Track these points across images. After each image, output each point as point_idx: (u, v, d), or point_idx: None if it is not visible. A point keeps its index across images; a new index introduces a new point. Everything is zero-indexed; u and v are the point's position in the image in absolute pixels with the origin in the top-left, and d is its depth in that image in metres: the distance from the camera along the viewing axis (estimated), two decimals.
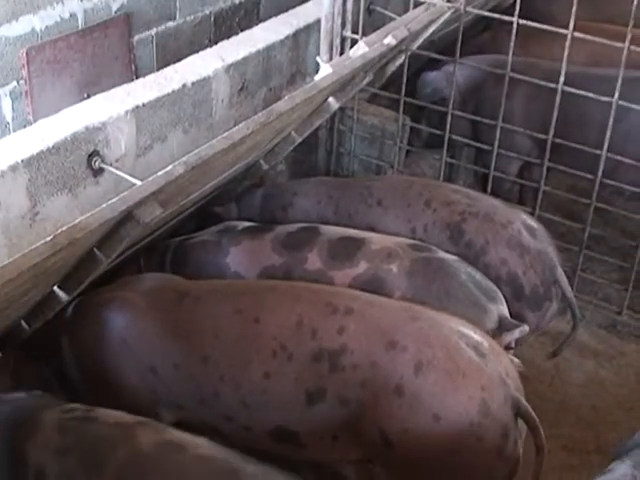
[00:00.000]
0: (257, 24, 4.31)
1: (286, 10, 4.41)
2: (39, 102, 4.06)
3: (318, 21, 4.22)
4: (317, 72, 3.89)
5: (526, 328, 3.13)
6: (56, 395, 2.74)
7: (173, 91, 3.52)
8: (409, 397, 2.59)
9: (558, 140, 4.05)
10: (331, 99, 3.64)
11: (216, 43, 4.04)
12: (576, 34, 3.75)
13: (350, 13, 4.14)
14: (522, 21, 3.86)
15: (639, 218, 4.12)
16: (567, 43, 3.78)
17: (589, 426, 3.71)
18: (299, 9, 4.45)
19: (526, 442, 2.68)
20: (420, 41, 4.12)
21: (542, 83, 4.03)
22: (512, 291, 3.36)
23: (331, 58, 4.18)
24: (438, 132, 4.44)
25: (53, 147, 3.04)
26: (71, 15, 4.11)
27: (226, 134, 2.69)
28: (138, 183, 2.50)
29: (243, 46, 3.97)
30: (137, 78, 3.97)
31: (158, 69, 3.82)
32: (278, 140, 3.63)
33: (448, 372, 2.59)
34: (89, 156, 3.19)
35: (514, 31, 3.89)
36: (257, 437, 2.83)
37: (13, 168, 2.91)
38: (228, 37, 4.08)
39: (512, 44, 3.92)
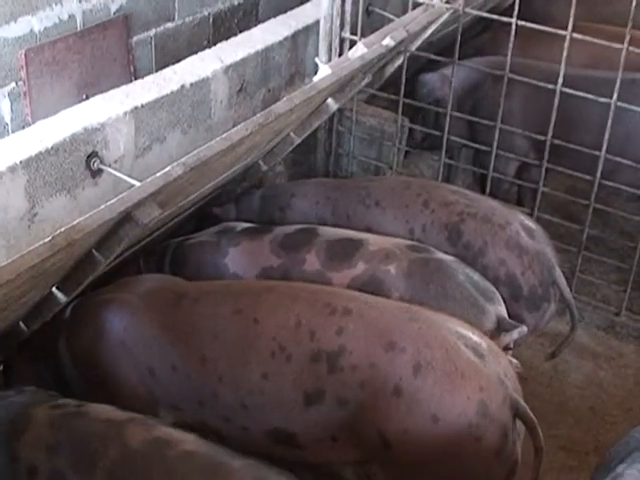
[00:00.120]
0: (256, 25, 4.31)
1: (285, 11, 4.41)
2: (38, 103, 4.06)
3: (317, 22, 4.22)
4: (316, 73, 3.89)
5: (524, 329, 3.13)
6: (47, 391, 2.74)
7: (172, 92, 3.52)
8: (408, 398, 2.59)
9: (556, 141, 4.05)
10: (330, 100, 3.64)
11: (215, 44, 4.04)
12: (575, 35, 3.75)
13: (349, 14, 4.14)
14: (521, 22, 3.86)
15: (638, 219, 4.12)
16: (566, 44, 3.78)
17: (587, 427, 3.72)
18: (298, 10, 4.45)
19: (524, 443, 2.69)
20: (419, 42, 4.13)
21: (540, 84, 4.03)
22: (510, 292, 3.37)
23: (330, 59, 4.18)
24: (437, 133, 4.45)
25: (52, 148, 3.04)
26: (70, 16, 4.11)
27: (225, 135, 2.69)
28: (137, 184, 2.50)
29: (242, 47, 3.97)
30: (136, 79, 3.97)
31: (157, 70, 3.82)
32: (277, 141, 3.64)
33: (447, 373, 2.59)
34: (88, 157, 3.19)
35: (513, 32, 3.89)
36: (255, 438, 2.83)
37: (12, 169, 2.91)
38: (227, 38, 4.08)
39: (511, 45, 3.92)
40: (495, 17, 4.06)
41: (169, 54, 4.63)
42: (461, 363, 2.61)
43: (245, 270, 3.42)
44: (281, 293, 2.91)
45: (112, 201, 2.35)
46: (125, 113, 3.32)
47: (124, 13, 4.38)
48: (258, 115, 2.83)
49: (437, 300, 3.12)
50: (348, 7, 4.13)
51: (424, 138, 4.82)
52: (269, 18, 4.36)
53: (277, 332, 2.76)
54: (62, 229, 2.22)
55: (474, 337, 2.73)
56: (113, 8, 4.32)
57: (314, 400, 2.69)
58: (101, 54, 4.31)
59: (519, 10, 3.85)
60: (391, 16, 4.32)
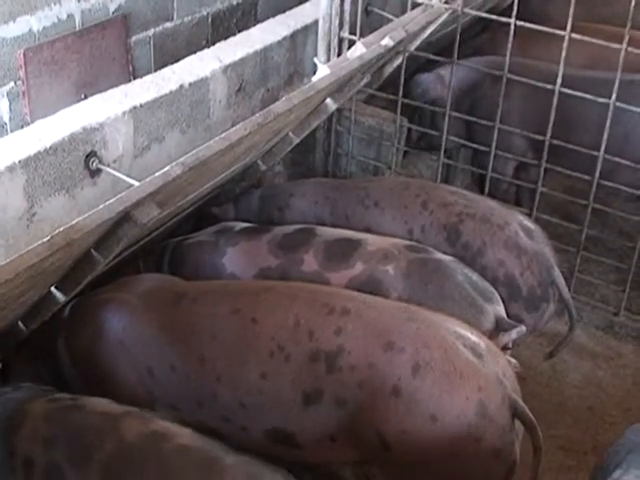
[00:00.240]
0: (254, 25, 4.31)
1: (284, 11, 4.41)
2: (36, 103, 4.06)
3: (316, 22, 4.22)
4: (315, 73, 3.89)
5: (523, 329, 3.13)
6: (42, 387, 2.75)
7: (170, 92, 3.52)
8: (406, 398, 2.59)
9: (555, 141, 4.06)
10: (329, 100, 3.64)
11: (213, 44, 4.04)
12: (574, 35, 3.76)
13: (348, 14, 4.14)
14: (520, 22, 3.86)
15: (636, 219, 4.13)
16: (564, 44, 3.78)
17: (586, 427, 3.72)
18: (297, 10, 4.44)
19: (523, 443, 2.69)
20: (418, 42, 4.13)
21: (538, 84, 4.03)
22: (509, 292, 3.37)
23: (329, 59, 4.18)
24: (434, 133, 4.46)
25: (50, 148, 3.03)
26: (68, 16, 4.11)
27: (223, 135, 2.69)
28: (135, 184, 2.50)
29: (240, 47, 3.96)
30: (134, 79, 3.97)
31: (155, 70, 3.83)
32: (276, 141, 3.64)
33: (445, 373, 2.59)
34: (86, 157, 3.19)
35: (511, 32, 3.89)
36: (254, 438, 2.83)
37: (10, 169, 2.91)
38: (225, 38, 4.08)
39: (509, 45, 3.92)
40: (494, 17, 4.06)
41: (168, 54, 4.63)
42: (460, 363, 2.61)
43: (243, 270, 3.42)
44: (280, 293, 2.91)
45: (111, 201, 2.35)
46: (124, 113, 3.31)
47: (123, 13, 4.38)
48: (257, 115, 2.83)
49: (435, 300, 3.12)
50: (347, 7, 4.13)
51: (420, 137, 4.83)
52: (268, 18, 4.36)
53: (276, 332, 2.76)
54: (61, 229, 2.22)
55: (473, 337, 2.73)
56: (112, 8, 4.32)
57: (313, 400, 2.69)
58: (100, 54, 4.31)
59: (517, 10, 3.85)
60: (390, 16, 4.32)
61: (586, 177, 4.07)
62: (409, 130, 4.61)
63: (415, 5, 3.97)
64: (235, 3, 5.10)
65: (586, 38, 3.79)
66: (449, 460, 2.60)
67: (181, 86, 3.56)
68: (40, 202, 3.06)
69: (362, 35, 3.97)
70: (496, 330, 3.11)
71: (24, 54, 3.94)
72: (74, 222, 2.24)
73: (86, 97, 3.56)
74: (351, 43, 4.03)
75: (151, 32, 4.60)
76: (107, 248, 2.55)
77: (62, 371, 3.07)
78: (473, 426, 2.55)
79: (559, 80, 3.89)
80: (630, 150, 4.14)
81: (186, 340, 2.86)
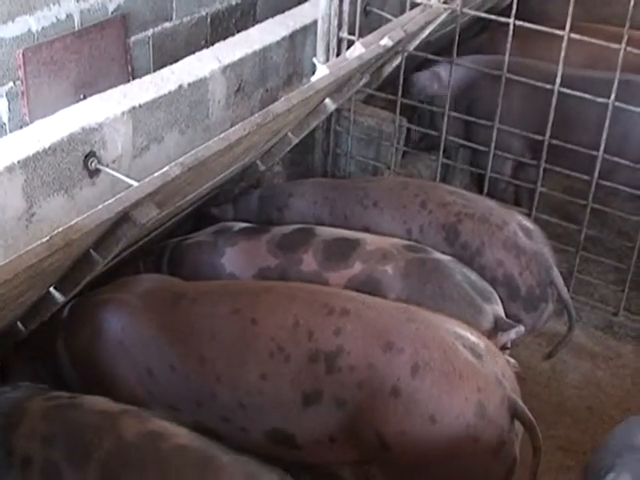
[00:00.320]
0: (253, 25, 4.30)
1: (282, 11, 4.41)
2: (35, 103, 4.06)
3: (315, 22, 4.22)
4: (314, 73, 3.89)
5: (522, 329, 3.13)
6: (41, 386, 2.75)
7: (169, 92, 3.51)
8: (406, 399, 2.59)
9: (554, 141, 4.06)
10: (328, 100, 3.64)
11: (212, 44, 4.04)
12: (573, 35, 3.76)
13: (347, 14, 4.14)
14: (519, 22, 3.86)
15: (635, 219, 4.13)
16: (564, 44, 3.79)
17: (585, 427, 3.72)
18: (295, 10, 4.44)
19: (523, 443, 2.69)
20: (417, 42, 4.13)
21: (536, 84, 4.03)
22: (508, 292, 3.37)
23: (328, 59, 4.18)
24: (434, 133, 4.46)
25: (49, 148, 3.03)
26: (67, 16, 4.11)
27: (222, 135, 2.69)
28: (134, 184, 2.50)
29: (239, 47, 3.96)
30: (133, 79, 3.96)
31: (154, 70, 3.82)
32: (275, 141, 3.63)
33: (445, 374, 2.59)
34: (85, 157, 3.18)
35: (510, 32, 3.89)
36: (254, 439, 2.83)
37: (9, 169, 2.91)
38: (224, 38, 4.07)
39: (508, 45, 3.92)
40: (493, 17, 4.06)
41: (167, 54, 4.63)
42: (459, 363, 2.61)
43: (242, 270, 3.42)
44: (279, 293, 2.91)
45: (110, 201, 2.34)
46: (123, 113, 3.31)
47: (122, 13, 4.37)
48: (256, 115, 2.83)
49: (434, 300, 3.12)
50: (346, 7, 4.13)
51: (421, 138, 4.83)
52: (267, 18, 4.36)
53: (275, 332, 2.76)
54: (60, 229, 2.21)
55: (472, 337, 2.73)
56: (111, 8, 4.32)
57: (312, 400, 2.69)
58: (99, 54, 4.31)
59: (517, 10, 3.85)
60: (389, 16, 4.32)
61: (585, 177, 4.07)
62: (408, 130, 4.61)
63: (414, 5, 3.97)
64: (234, 3, 5.10)
65: (585, 38, 3.79)
66: (448, 460, 2.60)
67: (180, 86, 3.56)
68: (39, 202, 3.06)
69: (361, 35, 3.97)
70: (495, 330, 3.11)
71: (23, 54, 3.94)
72: (73, 222, 2.24)
73: (85, 97, 3.56)
74: (350, 43, 4.02)
75: (150, 32, 4.59)
76: (106, 248, 2.55)
77: (62, 372, 3.07)
78: (472, 426, 2.56)
79: (558, 80, 3.90)
80: (629, 150, 4.14)
81: (185, 340, 2.86)
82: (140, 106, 3.38)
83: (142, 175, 2.70)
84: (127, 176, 3.16)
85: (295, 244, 3.39)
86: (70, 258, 2.48)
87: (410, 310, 2.81)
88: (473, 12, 4.17)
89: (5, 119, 4.04)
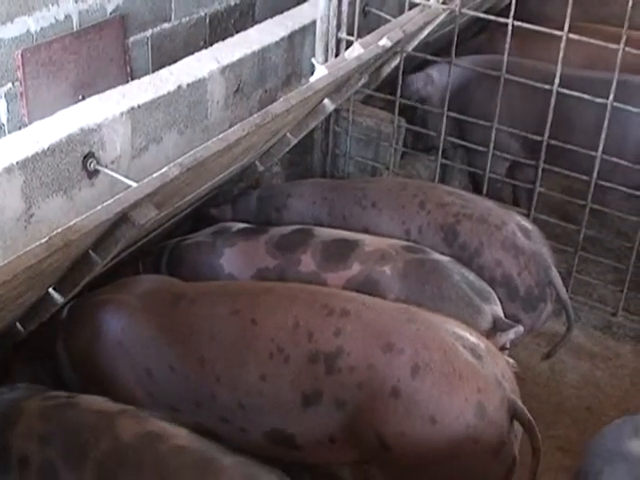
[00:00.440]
0: (252, 26, 4.30)
1: (281, 12, 4.41)
2: (34, 104, 4.06)
3: (313, 23, 4.22)
4: (312, 74, 3.89)
5: (521, 329, 3.13)
6: (40, 386, 2.75)
7: (168, 92, 3.51)
8: (406, 399, 2.59)
9: (553, 142, 4.06)
10: (326, 101, 3.64)
11: (211, 45, 4.04)
12: (571, 36, 3.76)
13: (345, 15, 4.14)
14: (517, 23, 3.86)
15: (634, 219, 4.13)
16: (562, 44, 3.79)
17: (584, 427, 3.71)
18: (294, 11, 4.44)
19: (522, 444, 2.69)
20: (415, 43, 4.13)
21: (531, 84, 4.04)
22: (507, 292, 3.37)
23: (326, 60, 4.18)
24: (433, 134, 4.46)
25: (48, 149, 3.03)
26: (66, 17, 4.10)
27: (221, 136, 2.69)
28: (133, 185, 2.50)
29: (238, 48, 3.96)
30: (132, 80, 3.96)
31: (153, 71, 3.82)
32: (273, 142, 3.63)
33: (445, 374, 2.59)
34: (84, 158, 3.18)
35: (509, 32, 3.89)
36: (253, 439, 2.83)
37: (8, 170, 2.91)
38: (223, 39, 4.08)
39: (507, 46, 3.92)
40: (492, 18, 4.06)
41: (165, 54, 4.63)
42: (459, 364, 2.61)
43: (240, 271, 3.42)
44: (279, 294, 2.91)
45: (108, 202, 2.34)
46: (121, 114, 3.31)
47: (120, 13, 4.37)
48: (255, 116, 2.83)
49: (433, 301, 3.12)
50: (345, 8, 4.13)
51: (416, 140, 4.83)
52: (266, 18, 4.36)
53: (275, 333, 2.76)
54: (59, 230, 2.21)
55: (472, 338, 2.73)
56: (109, 8, 4.31)
57: (312, 401, 2.69)
58: (97, 54, 4.30)
59: (515, 11, 3.85)
60: (388, 17, 4.32)
61: (584, 177, 4.07)
62: (407, 131, 4.61)
63: (413, 5, 3.97)
64: (233, 4, 5.10)
65: (583, 38, 3.80)
66: (448, 461, 2.60)
67: (179, 87, 3.56)
68: (38, 203, 3.06)
69: (360, 36, 3.97)
70: (493, 330, 3.11)
71: (22, 55, 3.93)
72: (72, 223, 2.24)
73: (84, 98, 3.57)
74: (349, 44, 4.02)
75: (149, 33, 4.59)
76: (105, 249, 2.55)
77: (61, 372, 3.07)
78: (472, 427, 2.56)
79: (555, 80, 3.90)
80: (626, 150, 4.15)
81: (185, 341, 2.86)
82: (139, 107, 3.38)
83: (141, 176, 2.70)
84: (126, 177, 3.16)
85: (294, 245, 3.39)
86: (69, 259, 2.48)
87: (410, 311, 2.81)
88: (472, 12, 4.17)
89: (4, 120, 4.03)
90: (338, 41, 4.19)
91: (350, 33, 4.14)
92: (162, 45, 4.69)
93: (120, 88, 3.47)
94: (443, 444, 2.56)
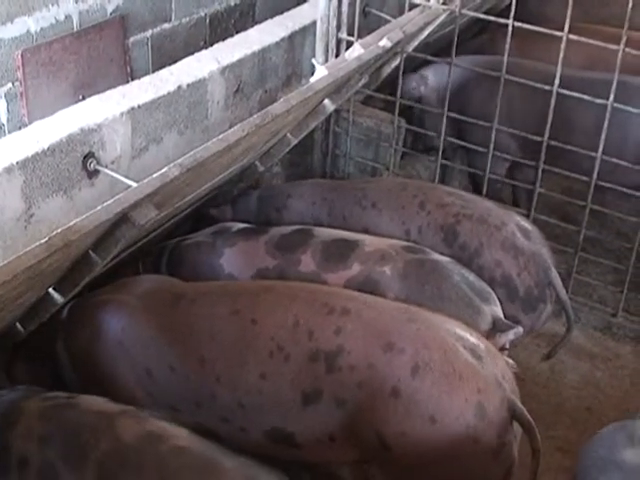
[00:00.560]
0: (252, 26, 4.30)
1: (281, 12, 4.41)
2: (34, 104, 4.06)
3: (314, 23, 4.22)
4: (312, 74, 3.89)
5: (520, 329, 3.13)
6: (39, 388, 2.74)
7: (168, 93, 3.52)
8: (406, 399, 2.59)
9: (554, 143, 4.06)
10: (326, 101, 3.64)
11: (211, 45, 4.04)
12: (571, 36, 3.76)
13: (345, 15, 4.14)
14: (517, 23, 3.86)
15: (634, 220, 4.12)
16: (562, 45, 3.79)
17: (584, 428, 3.71)
18: (294, 11, 4.44)
19: (522, 444, 2.69)
20: (415, 43, 4.13)
21: (529, 84, 4.04)
22: (506, 293, 3.37)
23: (326, 60, 4.18)
24: (432, 134, 4.46)
25: (48, 149, 3.03)
26: (66, 17, 4.10)
27: (221, 136, 2.69)
28: (133, 185, 2.50)
29: (238, 48, 3.96)
30: (132, 80, 3.96)
31: (153, 71, 3.82)
32: (274, 142, 3.64)
33: (445, 374, 2.59)
34: (84, 158, 3.18)
35: (509, 33, 3.89)
36: (253, 438, 2.83)
37: (8, 170, 2.91)
38: (223, 39, 4.08)
39: (507, 46, 3.92)
40: (491, 18, 4.06)
41: (166, 55, 4.63)
42: (459, 365, 2.61)
43: (240, 271, 3.42)
44: (279, 293, 2.91)
45: (109, 202, 2.35)
46: (122, 114, 3.31)
47: (120, 14, 4.37)
48: (255, 116, 2.83)
49: (433, 301, 3.12)
50: (345, 8, 4.13)
51: (416, 140, 4.84)
52: (266, 19, 4.36)
53: (275, 332, 2.76)
54: (58, 230, 2.22)
55: (472, 338, 2.73)
56: (109, 9, 4.31)
57: (312, 400, 2.69)
58: (98, 55, 4.30)
59: (515, 11, 3.85)
60: (388, 17, 4.32)
61: (584, 178, 4.07)
62: (407, 131, 4.61)
63: (413, 6, 3.97)
64: (233, 4, 5.10)
65: (583, 39, 3.80)
66: (448, 461, 2.60)
67: (179, 87, 3.56)
68: (38, 203, 3.06)
69: (360, 36, 3.97)
70: (493, 331, 3.11)
71: (22, 55, 3.93)
72: (72, 223, 2.24)
73: (84, 98, 3.57)
74: (349, 44, 4.03)
75: (149, 33, 4.59)
76: (105, 249, 2.55)
77: (61, 373, 3.07)
78: (472, 427, 2.56)
79: (557, 81, 3.90)
80: (626, 151, 4.15)
81: (185, 341, 2.86)
82: (139, 107, 3.38)
83: (141, 176, 2.70)
84: (126, 177, 3.16)
85: (294, 245, 3.39)
86: (69, 259, 2.48)
87: (411, 310, 2.81)
88: (472, 13, 4.17)
89: (4, 120, 4.03)
90: (338, 41, 4.19)
91: (350, 34, 4.15)
92: (162, 45, 4.69)
93: (120, 88, 3.47)
94: (443, 444, 2.56)
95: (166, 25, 4.68)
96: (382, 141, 4.45)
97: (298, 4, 4.55)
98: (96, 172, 3.25)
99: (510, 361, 2.90)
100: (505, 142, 4.39)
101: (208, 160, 2.62)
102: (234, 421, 2.83)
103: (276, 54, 4.15)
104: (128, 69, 4.51)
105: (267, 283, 3.12)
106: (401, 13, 4.07)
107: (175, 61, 3.76)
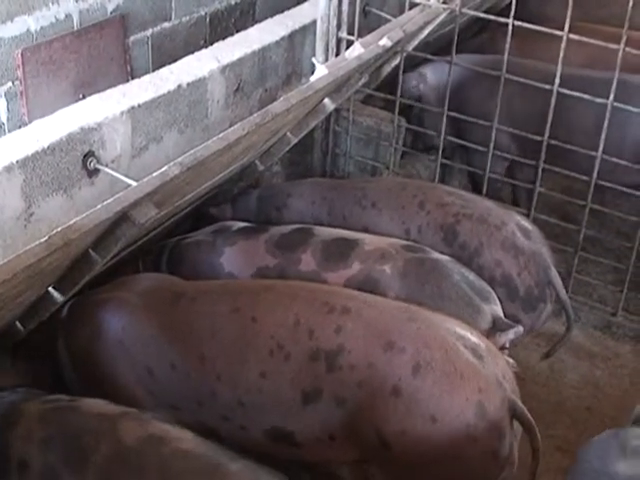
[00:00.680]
0: (253, 25, 4.31)
1: (282, 11, 4.41)
2: (34, 103, 4.06)
3: (314, 22, 4.22)
4: (313, 73, 3.89)
5: (520, 329, 3.13)
6: (39, 391, 2.74)
7: (168, 92, 3.52)
8: (407, 398, 2.58)
9: (554, 142, 4.06)
10: (327, 100, 3.64)
11: (212, 44, 4.04)
12: (571, 36, 3.76)
13: (346, 14, 4.14)
14: (517, 22, 3.86)
15: (634, 219, 4.12)
16: (562, 45, 3.79)
17: (584, 427, 3.71)
18: (295, 10, 4.45)
19: (522, 444, 2.69)
20: (416, 42, 4.13)
21: (534, 84, 4.04)
22: (506, 292, 3.37)
23: (327, 59, 4.18)
24: (433, 133, 4.46)
25: (48, 148, 3.03)
26: (66, 16, 4.10)
27: (221, 135, 2.69)
28: (133, 184, 2.50)
29: (239, 47, 3.96)
30: (132, 79, 3.97)
31: (153, 70, 3.82)
32: (274, 141, 3.64)
33: (446, 374, 2.59)
34: (84, 157, 3.19)
35: (509, 32, 3.89)
36: (253, 437, 2.83)
37: (8, 169, 2.91)
38: (224, 38, 4.08)
39: (507, 45, 3.92)
40: (492, 17, 4.06)
41: (166, 54, 4.63)
42: (460, 364, 2.61)
43: (241, 270, 3.42)
44: (280, 292, 2.91)
45: (109, 201, 2.34)
46: (122, 113, 3.31)
47: (121, 13, 4.37)
48: (255, 115, 2.83)
49: (433, 300, 3.12)
50: (345, 7, 4.13)
51: (416, 139, 4.83)
52: (266, 18, 4.36)
53: (275, 331, 2.76)
54: (58, 229, 2.21)
55: (473, 338, 2.73)
56: (110, 8, 4.31)
57: (312, 399, 2.69)
58: (98, 54, 4.31)
59: (515, 11, 3.85)
60: (388, 16, 4.32)
61: (584, 177, 4.07)
62: (407, 130, 4.61)
63: (413, 5, 3.97)
64: (233, 3, 5.10)
65: (584, 38, 3.80)
66: (448, 460, 2.60)
67: (179, 86, 3.56)
68: (38, 202, 3.06)
69: (360, 35, 3.97)
70: (493, 330, 3.11)
71: (22, 54, 3.94)
72: (72, 222, 2.24)
73: (84, 97, 3.56)
74: (349, 43, 4.03)
75: (149, 32, 4.59)
76: (105, 248, 2.55)
77: (62, 372, 3.07)
78: (472, 427, 2.56)
79: (557, 80, 3.90)
80: (625, 149, 4.16)
81: (185, 339, 2.86)
82: (139, 106, 3.38)
83: (141, 175, 2.70)
84: (126, 176, 3.16)
85: (294, 244, 3.39)
86: (69, 258, 2.48)
87: (411, 310, 2.81)
88: (472, 12, 4.16)
89: (4, 119, 4.04)
90: (338, 41, 4.19)
91: (350, 33, 4.15)
92: (162, 44, 4.69)
93: (120, 87, 3.47)
94: (443, 443, 2.56)
95: (166, 24, 4.68)
96: (382, 140, 4.45)
97: (298, 3, 4.55)
98: (96, 171, 3.25)
99: (510, 360, 2.90)
100: (504, 142, 4.39)
101: (208, 159, 2.62)
102: (234, 420, 2.83)
103: (276, 53, 4.15)
104: (128, 68, 4.51)
105: (267, 282, 3.12)
106: (401, 12, 4.07)
107: (175, 60, 3.76)
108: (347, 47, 4.02)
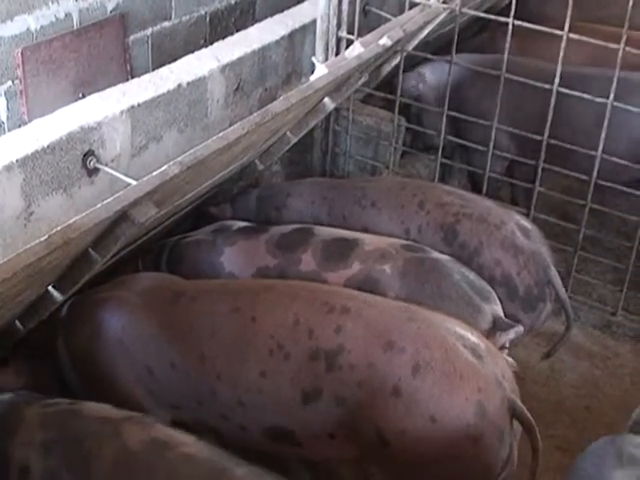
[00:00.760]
0: (253, 24, 4.31)
1: (282, 10, 4.41)
2: (34, 102, 4.06)
3: (314, 21, 4.22)
4: (313, 72, 3.89)
5: (520, 328, 3.13)
6: (39, 395, 2.72)
7: (168, 91, 3.52)
8: (406, 398, 2.58)
9: (553, 141, 4.06)
10: (326, 99, 3.64)
11: (211, 43, 4.04)
12: (571, 35, 3.76)
13: (346, 14, 4.14)
14: (517, 22, 3.86)
15: (634, 219, 4.12)
16: (562, 44, 3.79)
17: (584, 427, 3.72)
18: (295, 9, 4.45)
19: (522, 443, 2.69)
20: (415, 42, 4.13)
21: (533, 84, 4.04)
22: (506, 292, 3.37)
23: (327, 58, 4.18)
24: (433, 132, 4.46)
25: (48, 147, 3.03)
26: (66, 15, 4.10)
27: (221, 134, 2.69)
28: (133, 183, 2.50)
29: (238, 46, 3.97)
30: (132, 78, 3.96)
31: (153, 69, 3.83)
32: (273, 140, 3.63)
33: (446, 374, 2.58)
34: (84, 156, 3.19)
35: (509, 32, 3.90)
36: (253, 436, 2.83)
37: (8, 168, 2.91)
38: (223, 37, 4.08)
39: (507, 45, 3.92)
40: (491, 17, 4.06)
41: (166, 53, 4.63)
42: (460, 364, 2.60)
43: (241, 269, 3.42)
44: (280, 292, 2.91)
45: (108, 200, 2.34)
46: (122, 112, 3.31)
47: (120, 12, 4.37)
48: (255, 114, 2.83)
49: (433, 299, 3.12)
50: (345, 6, 4.13)
51: (415, 139, 4.83)
52: (266, 17, 4.37)
53: (275, 330, 2.76)
54: (58, 228, 2.21)
55: (472, 338, 2.73)
56: (110, 7, 4.31)
57: (312, 398, 2.69)
58: (98, 53, 4.31)
59: (515, 10, 3.85)
60: (388, 16, 4.33)
61: (584, 177, 4.07)
62: (407, 130, 4.61)
63: (413, 5, 3.97)
64: (233, 2, 5.10)
65: (584, 38, 3.80)
66: (447, 460, 2.59)
67: (179, 85, 3.56)
68: (37, 201, 3.06)
69: (360, 35, 3.97)
70: (493, 330, 3.10)
71: (22, 53, 3.94)
72: (71, 221, 2.24)
73: (84, 96, 3.56)
74: (349, 43, 4.03)
75: (149, 31, 4.59)
76: (105, 247, 2.55)
77: (61, 371, 3.06)
78: (472, 427, 2.55)
79: (557, 80, 3.90)
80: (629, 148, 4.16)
81: (185, 338, 2.86)
82: (139, 105, 3.39)
83: (141, 174, 2.70)
84: (126, 175, 3.16)
85: (294, 244, 3.39)
86: (69, 257, 2.48)
87: (411, 309, 2.81)
88: (472, 12, 4.17)
89: (4, 118, 4.04)
90: (338, 40, 4.20)
91: (350, 32, 4.15)
92: (162, 43, 4.69)
93: (120, 86, 3.47)
94: (443, 443, 2.56)
95: (166, 23, 4.69)
96: (382, 139, 4.45)
97: (298, 2, 4.55)
98: (96, 170, 3.25)
99: (510, 360, 2.90)
100: (503, 141, 4.39)
101: (208, 158, 2.62)
102: (234, 419, 2.82)
103: (276, 52, 4.15)
104: (128, 67, 4.51)
105: (267, 282, 3.12)
106: (401, 12, 4.07)
107: (175, 59, 3.76)
108: (347, 46, 4.02)
